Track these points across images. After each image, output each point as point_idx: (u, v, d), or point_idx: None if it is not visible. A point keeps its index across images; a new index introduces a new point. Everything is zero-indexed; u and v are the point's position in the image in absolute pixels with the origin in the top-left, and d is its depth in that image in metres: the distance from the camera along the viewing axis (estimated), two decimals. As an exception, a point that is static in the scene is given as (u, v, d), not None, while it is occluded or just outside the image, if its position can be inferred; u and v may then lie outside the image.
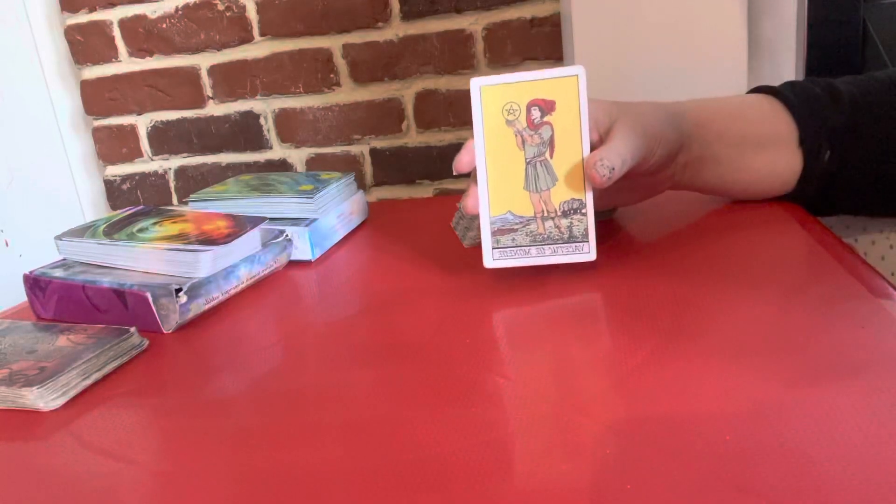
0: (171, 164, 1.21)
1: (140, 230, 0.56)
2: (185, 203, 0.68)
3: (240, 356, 0.45)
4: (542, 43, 1.01)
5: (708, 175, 0.57)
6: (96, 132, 1.22)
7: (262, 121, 1.14)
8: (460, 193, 0.49)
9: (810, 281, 0.45)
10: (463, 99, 0.48)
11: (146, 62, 1.16)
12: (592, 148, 0.49)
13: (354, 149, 1.13)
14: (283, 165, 1.16)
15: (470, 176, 0.50)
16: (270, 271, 0.58)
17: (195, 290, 0.50)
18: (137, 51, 1.15)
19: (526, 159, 0.48)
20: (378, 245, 0.64)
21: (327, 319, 0.49)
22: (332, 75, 1.10)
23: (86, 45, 1.17)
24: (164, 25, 1.13)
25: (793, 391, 0.32)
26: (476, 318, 0.46)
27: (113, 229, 0.56)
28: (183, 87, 1.16)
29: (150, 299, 0.48)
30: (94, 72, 1.18)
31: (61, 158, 1.23)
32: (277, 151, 1.16)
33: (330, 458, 0.32)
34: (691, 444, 0.29)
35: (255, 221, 0.57)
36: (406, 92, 1.08)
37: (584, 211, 0.48)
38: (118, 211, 0.61)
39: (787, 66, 0.85)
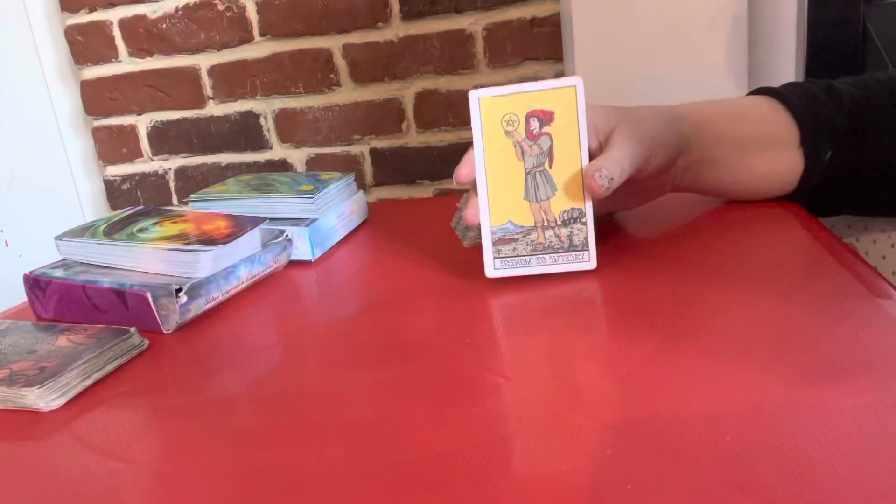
0: (171, 164, 1.21)
1: (140, 230, 0.56)
2: (185, 203, 0.68)
3: (240, 356, 0.45)
4: (542, 43, 1.01)
5: (708, 177, 0.57)
6: (96, 132, 1.22)
7: (262, 121, 1.14)
8: (460, 194, 0.50)
9: (810, 281, 0.45)
10: (463, 99, 0.49)
11: (146, 62, 1.16)
12: (592, 154, 0.49)
13: (354, 149, 1.13)
14: (283, 165, 1.16)
15: (470, 186, 0.51)
16: (270, 271, 0.58)
17: (195, 290, 0.50)
18: (137, 51, 1.15)
19: (525, 169, 0.49)
20: (378, 245, 0.64)
21: (327, 319, 0.49)
22: (332, 75, 1.10)
23: (86, 45, 1.17)
24: (164, 25, 1.13)
25: (793, 391, 0.32)
26: (476, 318, 0.46)
27: (113, 229, 0.56)
28: (183, 87, 1.16)
29: (150, 299, 0.48)
30: (94, 72, 1.19)
31: (61, 158, 1.23)
32: (277, 151, 1.16)
33: (330, 458, 0.32)
34: (691, 444, 0.29)
35: (255, 221, 0.57)
36: (406, 92, 1.08)
37: (583, 220, 0.48)
38: (118, 211, 0.61)
39: (787, 66, 0.85)
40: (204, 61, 1.14)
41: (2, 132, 1.23)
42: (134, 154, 1.22)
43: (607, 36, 0.86)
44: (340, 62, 1.09)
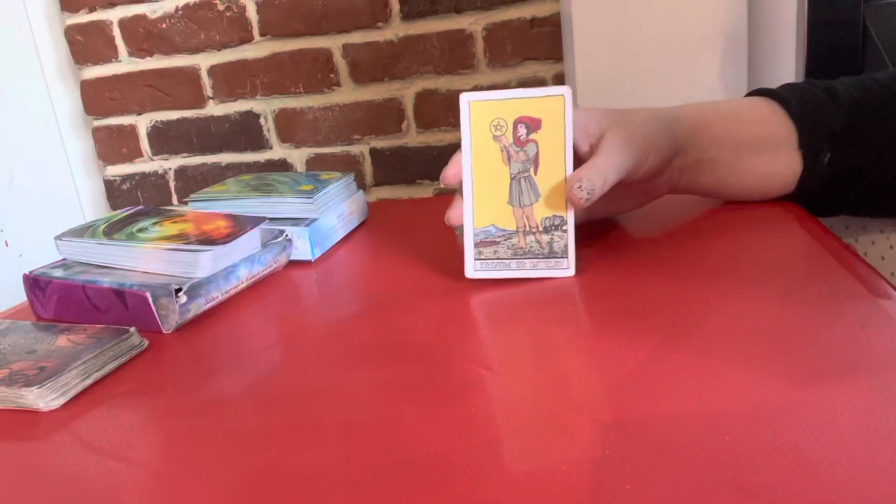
0: (171, 164, 1.21)
1: (140, 230, 0.56)
2: (185, 203, 0.68)
3: (240, 356, 0.45)
4: (542, 43, 1.01)
5: (706, 179, 0.57)
6: (96, 132, 1.22)
7: (262, 121, 1.14)
8: (460, 194, 0.50)
9: (810, 281, 0.45)
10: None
11: (146, 62, 1.16)
12: (584, 157, 0.49)
13: (354, 149, 1.13)
14: (283, 165, 1.16)
15: (457, 188, 0.51)
16: (270, 271, 0.58)
17: (195, 290, 0.50)
18: (137, 51, 1.15)
19: (511, 174, 0.49)
20: (378, 245, 0.64)
21: (327, 319, 0.49)
22: (332, 75, 1.10)
23: (86, 45, 1.17)
24: (164, 25, 1.13)
25: (793, 391, 0.32)
26: (476, 318, 0.46)
27: (113, 229, 0.56)
28: (183, 87, 1.16)
29: (150, 299, 0.48)
30: (94, 72, 1.19)
31: (61, 158, 1.23)
32: (277, 151, 1.16)
33: (330, 458, 0.32)
34: (691, 444, 0.29)
35: (255, 221, 0.57)
36: (406, 92, 1.08)
37: (564, 228, 0.49)
38: (118, 211, 0.61)
39: (787, 66, 0.85)
40: (204, 61, 1.14)
41: (2, 132, 1.23)
42: (134, 154, 1.22)
43: (607, 36, 0.86)
44: (340, 62, 1.09)
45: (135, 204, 1.13)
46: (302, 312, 0.52)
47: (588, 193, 0.46)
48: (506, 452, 0.31)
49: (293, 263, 0.61)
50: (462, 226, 0.51)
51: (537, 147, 0.49)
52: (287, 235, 0.59)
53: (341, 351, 0.43)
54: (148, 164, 1.22)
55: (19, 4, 1.16)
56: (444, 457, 0.31)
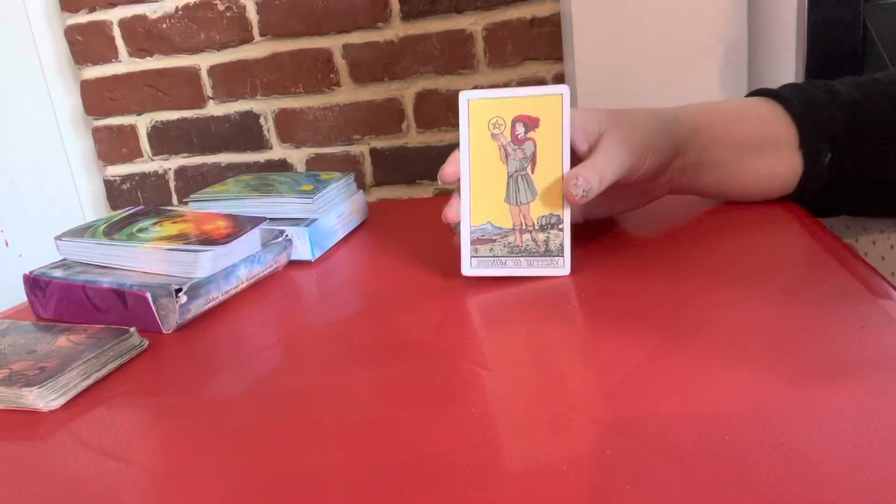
0: (171, 164, 1.21)
1: (140, 230, 0.56)
2: (185, 203, 0.68)
3: (240, 356, 0.45)
4: (542, 43, 1.01)
5: (706, 179, 0.57)
6: (96, 132, 1.22)
7: (262, 121, 1.14)
8: (455, 224, 0.50)
9: (810, 281, 0.45)
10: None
11: (146, 62, 1.16)
12: (582, 157, 0.49)
13: (354, 149, 1.13)
14: (283, 165, 1.16)
15: (454, 186, 0.51)
16: (270, 271, 0.58)
17: (195, 290, 0.50)
18: (137, 51, 1.15)
19: (508, 173, 0.50)
20: (378, 245, 0.64)
21: (327, 319, 0.49)
22: (332, 75, 1.10)
23: (86, 45, 1.17)
24: (164, 25, 1.13)
25: (793, 391, 0.32)
26: (476, 318, 0.46)
27: (113, 229, 0.56)
28: (183, 87, 1.16)
29: (150, 299, 0.48)
30: (94, 72, 1.19)
31: (61, 158, 1.23)
32: (277, 151, 1.16)
33: (330, 458, 0.32)
34: (691, 444, 0.29)
35: (255, 221, 0.57)
36: (406, 92, 1.08)
37: (560, 226, 0.49)
38: (118, 211, 0.61)
39: (787, 66, 0.85)
40: (204, 61, 1.14)
41: (2, 132, 1.23)
42: (134, 154, 1.22)
43: (607, 36, 0.86)
44: (340, 62, 1.09)
45: (135, 204, 1.13)
46: (302, 312, 0.52)
47: (584, 191, 0.46)
48: (506, 452, 0.31)
49: (293, 263, 0.61)
50: (459, 223, 0.51)
51: (535, 145, 0.49)
52: (287, 235, 0.59)
53: (341, 351, 0.43)
54: (148, 164, 1.22)
55: (19, 4, 1.16)
56: (444, 457, 0.31)
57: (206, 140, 1.18)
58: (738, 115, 0.57)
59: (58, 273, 0.53)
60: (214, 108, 1.16)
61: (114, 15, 1.14)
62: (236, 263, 0.54)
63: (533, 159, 0.49)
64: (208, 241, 0.52)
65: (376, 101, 1.09)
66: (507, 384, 0.36)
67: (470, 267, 0.50)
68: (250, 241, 0.56)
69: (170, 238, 0.53)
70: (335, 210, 0.65)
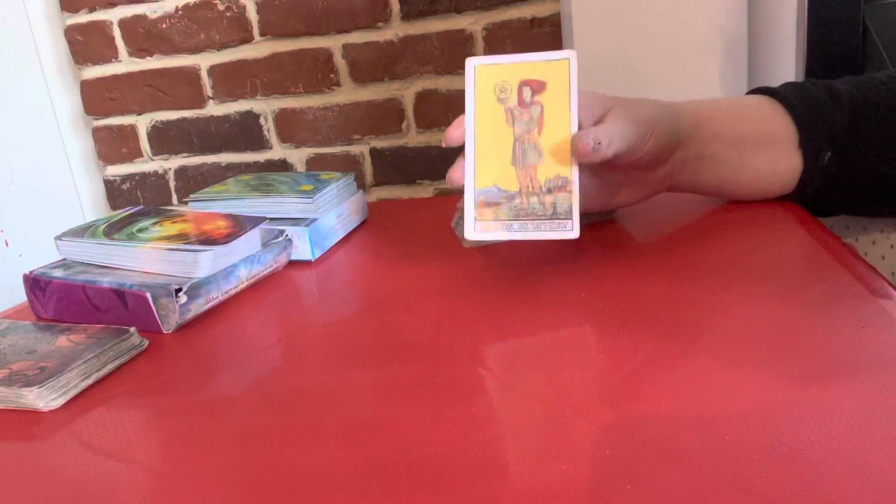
0: (171, 164, 1.21)
1: (140, 230, 0.56)
2: (185, 203, 0.68)
3: (240, 356, 0.45)
4: (543, 43, 1.01)
5: (708, 175, 0.57)
6: (96, 132, 1.22)
7: (262, 121, 1.14)
8: (460, 194, 0.50)
9: (810, 281, 0.45)
10: (463, 98, 0.49)
11: (146, 62, 1.16)
12: None
13: (354, 149, 1.13)
14: (283, 165, 1.16)
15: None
16: (270, 271, 0.58)
17: (195, 290, 0.50)
18: (137, 51, 1.15)
19: (514, 135, 0.49)
20: (378, 245, 0.64)
21: (327, 319, 0.49)
22: (332, 75, 1.10)
23: (86, 45, 1.17)
24: (164, 25, 1.13)
25: (793, 391, 0.32)
26: (476, 318, 0.46)
27: (113, 229, 0.56)
28: (183, 87, 1.16)
29: (150, 299, 0.48)
30: (94, 72, 1.18)
31: (61, 158, 1.23)
32: (277, 151, 1.16)
33: (330, 458, 0.32)
34: (691, 444, 0.29)
35: (255, 221, 0.57)
36: (406, 92, 1.08)
37: (568, 188, 0.47)
38: (118, 211, 0.61)
39: (787, 66, 0.85)
40: (204, 61, 1.14)
41: (2, 132, 1.23)
42: (134, 154, 1.22)
43: (607, 36, 0.86)
44: (340, 62, 1.09)
45: (135, 204, 1.13)
46: (302, 312, 0.52)
47: (595, 143, 0.45)
48: (506, 452, 0.31)
49: (293, 263, 0.61)
50: (462, 224, 0.50)
51: (541, 109, 0.48)
52: (287, 235, 0.59)
53: (341, 351, 0.43)
54: (148, 164, 1.22)
55: (19, 4, 1.16)
56: (443, 456, 0.31)
57: (206, 140, 1.18)
58: (738, 111, 0.57)
59: (58, 273, 0.53)
60: (214, 108, 1.16)
61: (114, 15, 1.14)
62: (236, 263, 0.54)
63: (540, 122, 0.48)
64: (208, 241, 0.52)
65: (376, 101, 1.09)
66: (507, 384, 0.36)
67: (474, 231, 0.48)
68: (250, 241, 0.56)
69: (170, 238, 0.53)
70: (335, 210, 0.65)
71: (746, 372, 0.34)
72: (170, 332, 0.49)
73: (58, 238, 0.56)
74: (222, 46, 1.12)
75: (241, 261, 0.54)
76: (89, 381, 0.42)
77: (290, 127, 1.14)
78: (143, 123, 1.20)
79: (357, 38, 1.07)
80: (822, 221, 0.54)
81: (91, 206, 1.26)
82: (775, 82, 0.60)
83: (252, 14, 1.09)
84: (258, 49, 1.11)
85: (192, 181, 1.21)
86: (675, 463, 0.28)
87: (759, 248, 0.50)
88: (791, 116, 0.55)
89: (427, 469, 0.30)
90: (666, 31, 0.84)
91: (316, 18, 1.07)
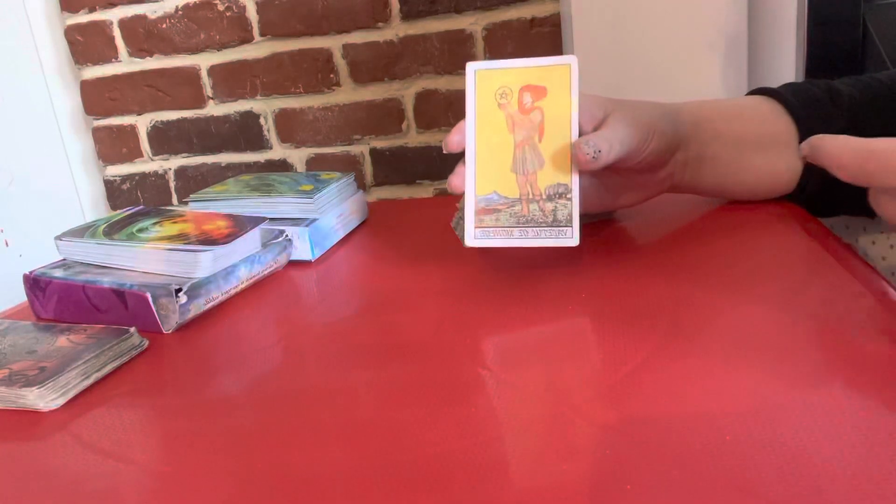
0: (171, 164, 1.21)
1: (140, 230, 0.56)
2: (185, 203, 0.68)
3: (240, 356, 0.45)
4: (542, 43, 1.01)
5: (708, 175, 0.57)
6: (96, 132, 1.22)
7: (262, 121, 1.14)
8: (460, 194, 0.50)
9: (810, 281, 0.45)
10: (463, 99, 0.49)
11: (146, 62, 1.16)
12: None
13: (354, 149, 1.13)
14: (283, 165, 1.16)
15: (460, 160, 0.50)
16: (270, 271, 0.58)
17: (195, 290, 0.50)
18: (137, 51, 1.15)
19: (515, 142, 0.49)
20: (378, 245, 0.64)
21: (327, 319, 0.49)
22: (332, 75, 1.10)
23: (86, 45, 1.17)
24: (164, 25, 1.13)
25: (793, 391, 0.32)
26: (475, 318, 0.46)
27: (113, 229, 0.56)
28: (183, 87, 1.16)
29: (150, 299, 0.48)
30: (94, 72, 1.18)
31: (61, 158, 1.23)
32: (277, 151, 1.16)
33: (330, 458, 0.32)
34: (691, 444, 0.29)
35: (255, 221, 0.57)
36: (406, 92, 1.08)
37: (569, 196, 0.47)
38: (118, 211, 0.61)
39: (787, 66, 0.85)
40: (204, 61, 1.14)
41: (2, 132, 1.23)
42: (134, 154, 1.22)
43: (607, 36, 0.86)
44: (340, 62, 1.09)
45: (135, 204, 1.13)
46: (302, 312, 0.52)
47: (595, 152, 0.45)
48: (506, 452, 0.31)
49: (293, 263, 0.61)
50: (462, 224, 0.50)
51: (542, 115, 0.48)
52: (287, 235, 0.59)
53: (341, 351, 0.43)
54: (148, 164, 1.22)
55: (19, 4, 1.16)
56: (443, 457, 0.31)
57: (206, 140, 1.18)
58: (738, 112, 0.57)
59: (58, 273, 0.53)
60: (214, 108, 1.16)
61: (114, 15, 1.14)
62: (236, 263, 0.54)
63: (540, 129, 0.48)
64: (208, 241, 0.52)
65: (376, 101, 1.09)
66: (507, 384, 0.36)
67: (474, 237, 0.48)
68: (250, 241, 0.56)
69: (170, 238, 0.53)
70: (335, 210, 0.65)
71: (746, 372, 0.34)
72: (170, 332, 0.49)
73: (58, 238, 0.56)
74: (222, 46, 1.12)
75: (241, 261, 0.54)
76: (89, 382, 0.42)
77: (290, 127, 1.14)
78: (143, 123, 1.20)
79: (357, 38, 1.07)
80: (822, 221, 0.54)
81: (91, 206, 1.26)
82: (775, 82, 0.60)
83: (252, 14, 1.09)
84: (258, 49, 1.11)
85: (192, 181, 1.21)
86: (675, 463, 0.28)
87: (759, 249, 0.50)
88: (791, 117, 0.55)
89: (427, 469, 0.30)
90: (666, 30, 0.84)
91: (316, 18, 1.07)
